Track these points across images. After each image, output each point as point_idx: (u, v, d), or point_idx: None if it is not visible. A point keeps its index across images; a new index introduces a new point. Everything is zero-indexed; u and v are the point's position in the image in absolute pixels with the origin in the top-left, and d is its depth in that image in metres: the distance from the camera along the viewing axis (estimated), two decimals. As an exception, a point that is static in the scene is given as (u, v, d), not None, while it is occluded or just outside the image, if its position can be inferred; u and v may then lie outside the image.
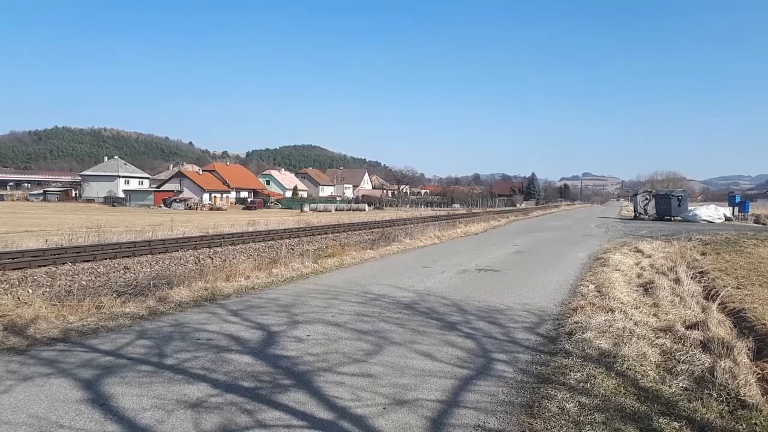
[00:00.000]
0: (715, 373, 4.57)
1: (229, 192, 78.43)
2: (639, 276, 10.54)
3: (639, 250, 14.74)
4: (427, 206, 77.76)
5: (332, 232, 22.44)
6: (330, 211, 61.09)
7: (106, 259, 12.82)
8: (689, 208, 35.44)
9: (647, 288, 8.94)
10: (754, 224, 31.27)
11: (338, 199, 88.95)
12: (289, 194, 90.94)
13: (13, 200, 79.38)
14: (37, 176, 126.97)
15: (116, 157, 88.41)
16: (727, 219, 33.25)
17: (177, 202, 66.56)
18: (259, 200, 74.22)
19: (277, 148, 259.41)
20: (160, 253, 13.95)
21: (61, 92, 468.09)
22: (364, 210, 62.75)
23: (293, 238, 18.73)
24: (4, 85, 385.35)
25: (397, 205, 77.27)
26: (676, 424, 3.74)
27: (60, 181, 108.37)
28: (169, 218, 34.20)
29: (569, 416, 3.83)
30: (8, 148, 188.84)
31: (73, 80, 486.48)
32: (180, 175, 76.59)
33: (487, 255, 14.27)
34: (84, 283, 10.43)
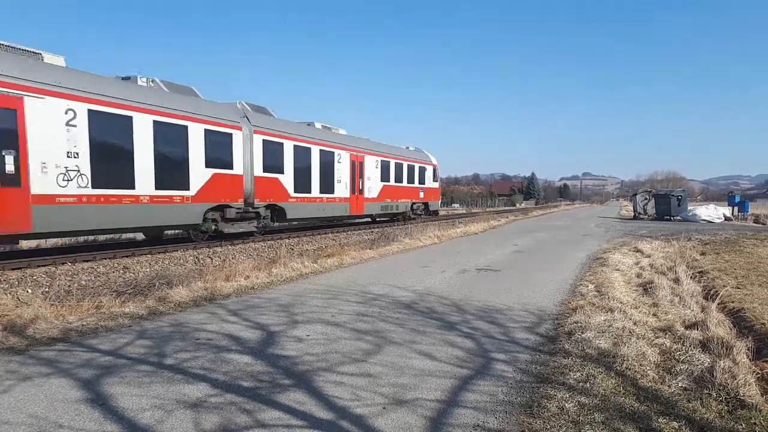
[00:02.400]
0: (714, 373, 4.57)
1: (228, 192, 78.13)
2: (638, 276, 10.54)
3: (638, 250, 14.73)
4: (427, 206, 77.53)
5: (332, 232, 22.42)
6: (330, 210, 60.77)
7: (105, 259, 12.81)
8: (689, 207, 35.39)
9: (647, 288, 8.94)
10: (754, 224, 31.23)
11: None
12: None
13: None
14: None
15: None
16: (726, 219, 33.22)
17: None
18: (259, 200, 74.03)
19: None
20: (159, 252, 13.94)
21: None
22: (364, 210, 62.50)
23: (293, 237, 18.72)
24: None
25: (396, 205, 76.99)
26: (675, 424, 3.75)
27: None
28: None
29: (569, 416, 3.84)
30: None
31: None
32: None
33: (487, 255, 14.27)
34: (83, 282, 10.42)
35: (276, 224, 18.08)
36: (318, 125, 20.64)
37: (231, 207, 15.00)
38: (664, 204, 34.92)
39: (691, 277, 10.10)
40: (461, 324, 6.58)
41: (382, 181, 23.84)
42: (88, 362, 4.93)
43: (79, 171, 10.87)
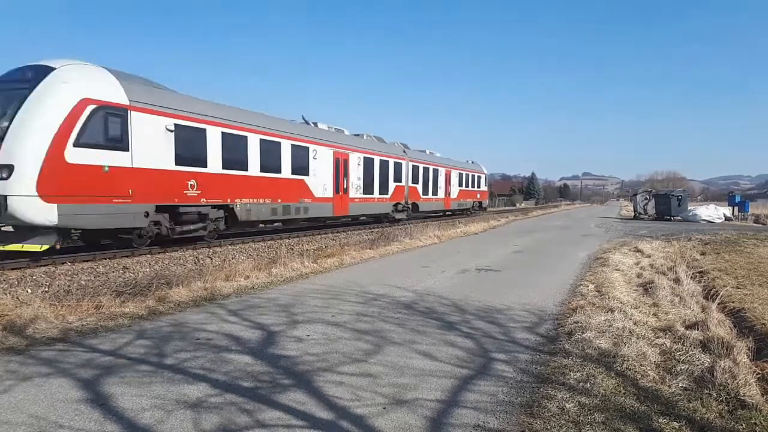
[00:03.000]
0: (714, 373, 4.57)
1: (228, 192, 78.12)
2: (639, 276, 10.53)
3: (639, 250, 14.73)
4: (427, 206, 77.42)
5: (332, 232, 22.42)
6: (330, 210, 60.85)
7: (105, 258, 12.81)
8: (689, 207, 35.38)
9: (647, 288, 8.94)
10: (754, 224, 31.25)
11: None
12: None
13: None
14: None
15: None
16: (726, 219, 33.22)
17: (177, 201, 66.39)
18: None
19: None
20: (159, 252, 13.94)
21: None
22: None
23: (293, 237, 18.72)
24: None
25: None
26: (675, 424, 3.74)
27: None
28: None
29: (569, 416, 3.83)
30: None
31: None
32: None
33: (487, 255, 14.27)
34: (83, 282, 10.41)
35: (414, 214, 29.51)
36: (427, 152, 32.22)
37: (400, 203, 27.06)
38: (665, 204, 34.90)
39: (691, 277, 10.09)
40: (461, 324, 6.57)
41: (459, 186, 36.10)
42: (87, 362, 4.93)
43: (359, 186, 22.29)
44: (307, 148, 18.61)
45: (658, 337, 5.89)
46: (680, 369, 4.85)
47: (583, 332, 5.97)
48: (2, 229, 11.07)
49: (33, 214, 9.95)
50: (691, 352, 5.26)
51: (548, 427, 3.68)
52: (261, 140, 16.14)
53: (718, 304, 7.29)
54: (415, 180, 28.45)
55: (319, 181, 19.36)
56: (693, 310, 7.26)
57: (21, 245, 10.48)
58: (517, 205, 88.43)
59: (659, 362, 5.12)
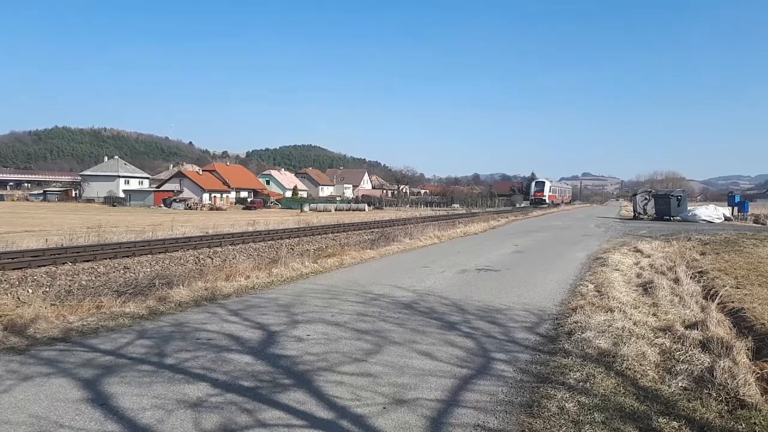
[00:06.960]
0: (714, 373, 4.57)
1: (229, 192, 78.40)
2: (638, 276, 10.54)
3: (638, 250, 14.74)
4: (427, 206, 77.68)
5: (332, 232, 22.45)
6: (330, 211, 61.14)
7: (106, 259, 12.83)
8: (689, 207, 35.36)
9: (647, 288, 8.95)
10: (754, 224, 31.24)
11: (338, 199, 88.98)
12: (289, 194, 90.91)
13: (13, 200, 79.39)
14: (37, 176, 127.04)
15: (116, 157, 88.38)
16: (726, 219, 33.19)
17: (177, 202, 66.58)
18: (259, 200, 74.25)
19: (277, 148, 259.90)
20: (159, 253, 13.97)
21: (61, 92, 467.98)
22: (364, 210, 62.79)
23: (293, 238, 18.75)
24: (4, 85, 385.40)
25: (396, 205, 77.23)
26: (675, 424, 3.75)
27: (60, 181, 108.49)
28: (170, 218, 34.21)
29: (569, 416, 3.84)
30: (8, 148, 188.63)
31: (73, 80, 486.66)
32: (180, 175, 76.60)
33: (487, 255, 14.29)
34: (84, 283, 10.44)
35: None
36: (554, 179, 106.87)
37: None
38: (664, 204, 34.87)
39: (690, 277, 10.10)
40: (461, 324, 6.58)
41: (565, 194, 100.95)
42: (88, 362, 4.93)
43: (561, 196, 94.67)
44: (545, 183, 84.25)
45: (657, 337, 5.89)
46: (680, 369, 4.85)
47: (582, 332, 5.97)
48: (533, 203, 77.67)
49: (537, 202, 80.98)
50: (690, 352, 5.27)
51: (548, 426, 3.69)
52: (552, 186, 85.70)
53: (718, 304, 7.30)
54: (553, 190, 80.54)
55: (550, 193, 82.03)
56: (692, 310, 7.26)
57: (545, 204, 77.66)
58: (517, 205, 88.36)
59: (659, 362, 5.13)
